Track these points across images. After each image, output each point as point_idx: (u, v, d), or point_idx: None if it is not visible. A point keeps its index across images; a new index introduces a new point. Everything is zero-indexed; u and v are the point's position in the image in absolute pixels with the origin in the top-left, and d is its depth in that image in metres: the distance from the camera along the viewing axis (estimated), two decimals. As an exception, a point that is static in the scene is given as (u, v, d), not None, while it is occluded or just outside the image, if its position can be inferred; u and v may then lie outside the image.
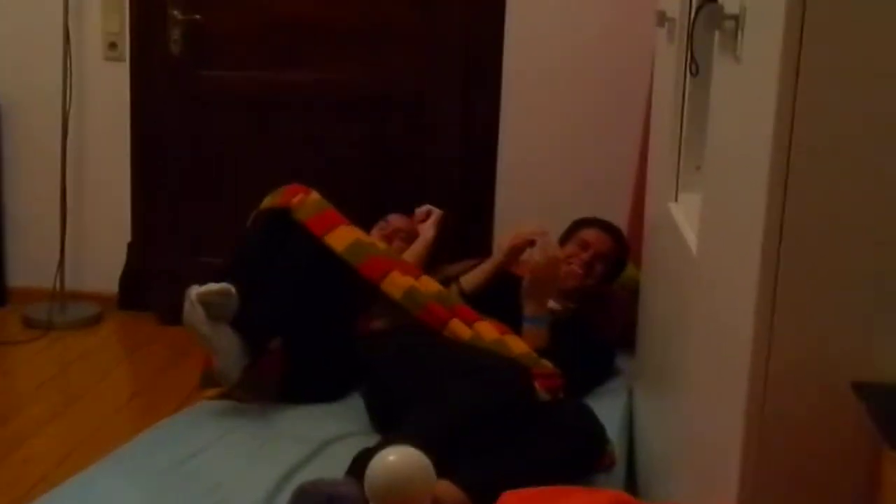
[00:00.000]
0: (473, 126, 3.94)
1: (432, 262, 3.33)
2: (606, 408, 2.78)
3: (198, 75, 4.03)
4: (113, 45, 4.08)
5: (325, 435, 2.63)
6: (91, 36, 4.08)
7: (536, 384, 2.58)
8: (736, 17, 1.51)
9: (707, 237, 1.78)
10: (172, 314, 3.42)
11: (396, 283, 2.89)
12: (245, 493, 2.29)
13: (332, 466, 2.35)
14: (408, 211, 3.51)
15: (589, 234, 3.24)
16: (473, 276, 3.15)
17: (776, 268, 1.31)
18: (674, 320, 2.16)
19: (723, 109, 1.68)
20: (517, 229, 3.08)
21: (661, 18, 2.58)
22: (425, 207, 3.49)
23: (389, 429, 2.43)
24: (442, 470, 2.16)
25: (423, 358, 2.65)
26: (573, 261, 3.17)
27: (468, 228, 3.94)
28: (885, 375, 1.30)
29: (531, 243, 2.97)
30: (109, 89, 4.11)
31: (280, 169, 3.76)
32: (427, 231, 3.38)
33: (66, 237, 4.10)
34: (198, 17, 3.96)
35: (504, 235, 3.22)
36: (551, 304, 3.02)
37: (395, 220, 3.45)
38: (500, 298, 3.03)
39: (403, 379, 2.62)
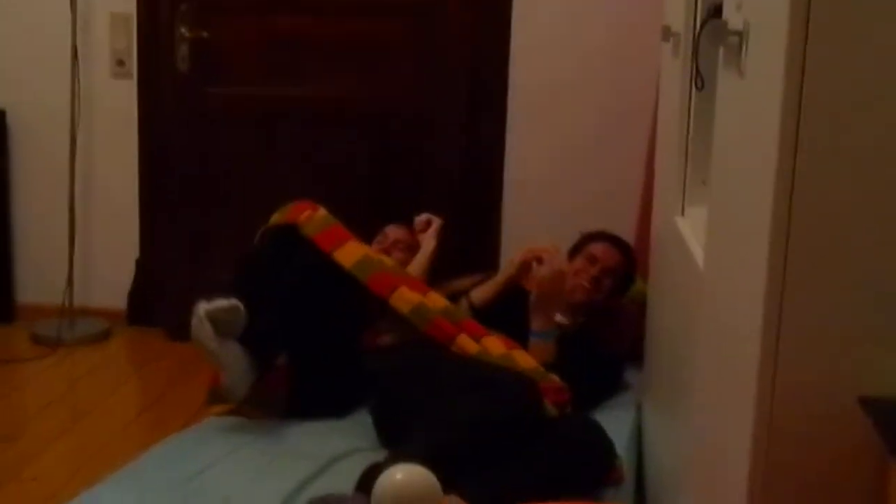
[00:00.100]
0: (479, 140, 3.95)
1: (438, 275, 3.33)
2: (615, 422, 2.78)
3: (205, 92, 4.04)
4: (120, 63, 4.10)
5: (332, 450, 2.63)
6: (99, 53, 4.10)
7: (544, 399, 2.58)
8: (740, 33, 1.51)
9: (713, 251, 1.78)
10: (180, 330, 3.43)
11: (405, 299, 2.90)
12: (253, 510, 2.29)
13: (341, 482, 2.35)
14: (409, 222, 3.51)
15: (597, 249, 3.24)
16: (483, 291, 3.16)
17: (782, 282, 1.31)
18: (681, 334, 2.16)
19: (728, 124, 1.68)
20: (528, 245, 3.09)
21: (667, 33, 2.58)
22: (424, 216, 3.48)
23: (397, 444, 2.43)
24: (450, 484, 2.16)
25: (430, 373, 2.65)
26: (581, 275, 3.17)
27: (474, 242, 3.95)
28: (892, 390, 1.29)
29: (539, 259, 2.97)
30: (117, 106, 4.12)
31: (287, 184, 3.77)
32: (428, 243, 3.38)
33: (75, 254, 4.11)
34: (205, 34, 3.97)
35: (515, 251, 3.22)
36: (559, 318, 3.02)
37: (393, 231, 3.45)
38: (508, 313, 3.04)
39: (411, 394, 2.62)
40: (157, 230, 4.20)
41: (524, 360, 2.79)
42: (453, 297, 3.10)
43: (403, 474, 1.81)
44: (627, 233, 3.50)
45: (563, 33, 3.84)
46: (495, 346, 2.82)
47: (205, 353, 2.70)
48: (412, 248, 3.40)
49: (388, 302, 2.90)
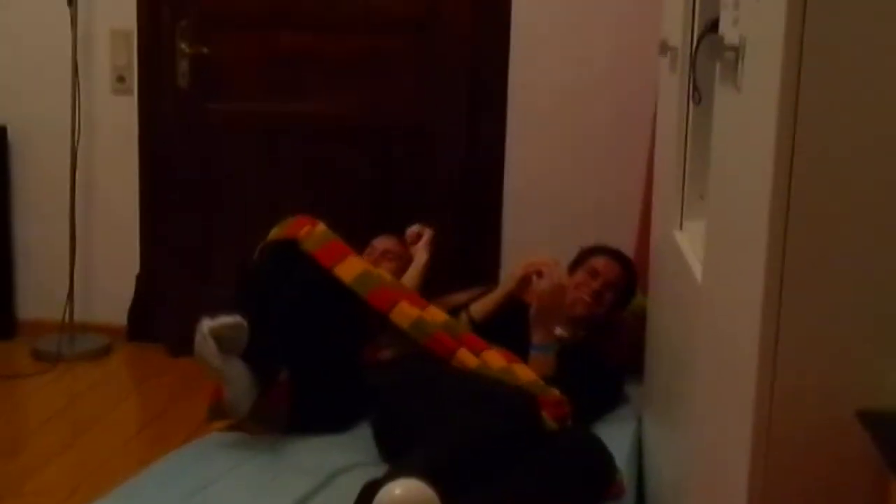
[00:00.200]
0: (479, 152, 3.96)
1: (438, 287, 3.32)
2: (615, 435, 2.78)
3: (205, 108, 4.05)
4: (121, 78, 4.11)
5: (333, 466, 2.62)
6: (99, 69, 4.11)
7: (544, 412, 2.58)
8: (736, 48, 1.52)
9: (711, 265, 1.79)
10: (181, 345, 3.44)
11: (405, 314, 2.90)
12: (254, 525, 2.29)
13: (341, 497, 2.35)
14: (402, 233, 3.51)
15: (598, 263, 3.24)
16: (483, 305, 3.17)
17: (780, 295, 1.31)
18: (680, 348, 2.16)
19: (724, 138, 1.69)
20: (528, 258, 3.09)
21: (664, 48, 2.59)
22: (415, 228, 3.47)
23: (397, 458, 2.43)
24: (450, 499, 2.16)
25: (430, 387, 2.65)
26: (582, 289, 3.17)
27: (475, 254, 3.96)
28: (890, 404, 1.30)
29: (539, 272, 2.98)
30: (117, 122, 4.14)
31: (287, 200, 3.77)
32: (420, 255, 3.38)
33: (76, 269, 4.12)
34: (205, 50, 3.99)
35: (515, 262, 3.22)
36: (559, 331, 3.02)
37: (381, 242, 3.44)
38: (508, 326, 3.04)
39: (411, 408, 2.62)
40: (158, 246, 4.20)
41: (524, 373, 2.79)
42: (453, 311, 3.10)
43: (402, 489, 1.81)
44: (627, 245, 3.50)
45: (564, 47, 3.85)
46: (495, 359, 2.82)
47: (208, 371, 2.70)
48: (402, 257, 3.40)
49: (389, 317, 2.91)
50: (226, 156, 4.09)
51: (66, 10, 3.97)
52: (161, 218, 4.18)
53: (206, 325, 2.67)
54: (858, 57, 1.25)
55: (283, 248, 3.01)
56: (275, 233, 3.10)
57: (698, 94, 2.04)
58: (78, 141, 4.05)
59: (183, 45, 3.98)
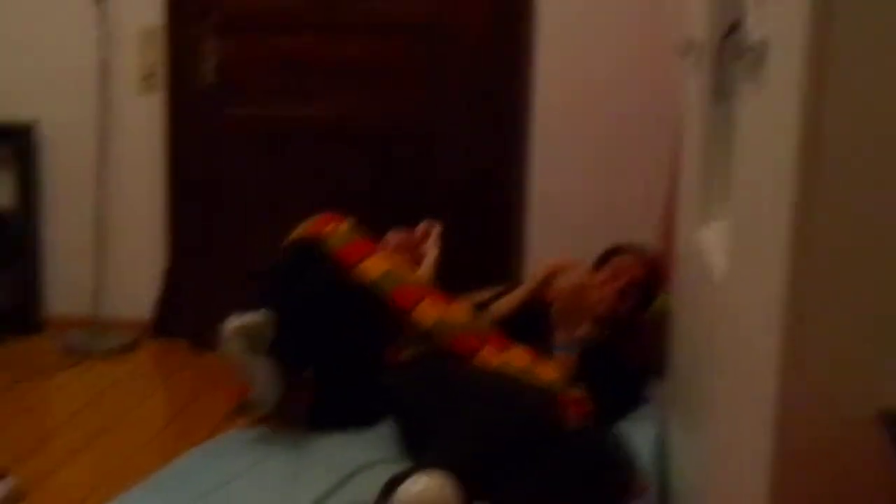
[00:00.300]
0: (502, 153, 3.96)
1: (456, 287, 3.32)
2: (638, 435, 2.77)
3: (230, 107, 4.08)
4: (148, 77, 4.14)
5: (355, 462, 2.64)
6: (127, 67, 4.14)
7: (566, 411, 2.58)
8: (759, 47, 1.52)
9: (734, 264, 1.78)
10: (206, 341, 3.46)
11: (427, 313, 2.91)
12: (276, 521, 2.31)
13: (363, 493, 2.37)
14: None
15: (623, 262, 3.24)
16: (505, 303, 3.17)
17: (802, 295, 1.31)
18: (702, 347, 2.16)
19: (748, 137, 1.69)
20: (551, 259, 3.09)
21: (688, 46, 2.59)
22: (424, 225, 3.46)
23: (419, 456, 2.44)
24: (472, 497, 2.17)
25: (452, 385, 2.66)
26: (606, 288, 3.17)
27: (496, 255, 3.96)
28: (911, 403, 1.29)
29: (561, 272, 2.98)
30: (144, 120, 4.16)
31: (310, 198, 3.77)
32: (431, 251, 3.36)
33: (102, 265, 4.15)
34: (231, 50, 4.01)
35: (537, 264, 3.22)
36: (582, 330, 3.02)
37: (394, 237, 3.40)
38: (530, 326, 3.04)
39: (433, 406, 2.63)
40: (183, 242, 4.23)
41: (546, 372, 2.79)
42: (476, 309, 3.10)
43: (423, 484, 1.82)
44: (652, 245, 3.50)
45: (586, 47, 3.84)
46: (517, 358, 2.82)
47: (234, 367, 2.72)
48: (413, 252, 3.37)
49: (411, 315, 2.92)
50: (250, 153, 4.12)
51: (94, 10, 4.00)
52: (186, 215, 4.20)
53: (233, 322, 2.69)
54: (883, 55, 1.25)
55: (306, 246, 3.02)
56: (299, 231, 3.11)
57: (722, 92, 2.04)
58: (105, 139, 4.08)
59: (209, 46, 4.00)
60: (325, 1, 3.99)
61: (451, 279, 3.16)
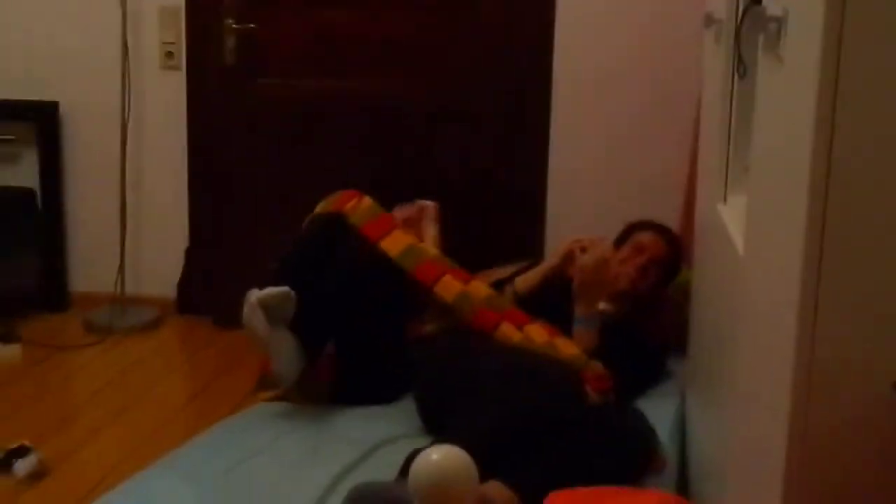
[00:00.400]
0: (523, 130, 3.95)
1: (478, 263, 3.30)
2: (659, 410, 2.78)
3: (252, 83, 4.09)
4: (169, 55, 4.15)
5: (377, 437, 2.65)
6: (148, 46, 4.16)
7: (586, 386, 2.59)
8: (779, 19, 1.51)
9: (753, 238, 1.78)
10: (229, 318, 3.48)
11: (449, 287, 2.92)
12: (298, 495, 2.32)
13: (385, 468, 2.38)
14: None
15: (644, 238, 3.23)
16: (527, 279, 3.17)
17: (818, 267, 1.31)
18: (722, 322, 2.16)
19: (767, 110, 1.68)
20: (574, 236, 3.09)
21: (709, 20, 2.57)
22: (416, 205, 3.32)
23: (440, 430, 2.45)
24: (492, 471, 2.18)
25: (473, 361, 2.67)
26: (628, 264, 3.17)
27: (519, 233, 3.97)
28: (929, 376, 1.29)
29: (583, 247, 2.97)
30: (166, 98, 4.19)
31: (333, 175, 3.78)
32: (428, 230, 3.27)
33: (126, 243, 4.18)
34: (252, 26, 4.01)
35: (560, 241, 3.22)
36: (603, 306, 3.02)
37: (400, 212, 3.30)
38: (552, 301, 3.04)
39: (454, 381, 2.64)
40: (207, 220, 4.26)
41: (567, 347, 2.79)
42: (497, 285, 3.11)
43: (440, 454, 1.83)
44: (672, 221, 3.49)
45: (607, 23, 3.83)
46: (538, 333, 2.83)
47: (256, 340, 2.74)
48: (418, 226, 3.30)
49: (433, 290, 2.92)
50: (272, 131, 4.13)
51: (116, -11, 4.02)
52: (209, 192, 4.23)
53: (255, 294, 2.71)
54: (900, 27, 1.24)
55: (330, 220, 3.03)
56: (322, 206, 3.12)
57: (743, 66, 2.02)
58: (128, 117, 4.10)
59: (230, 22, 4.01)
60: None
61: (471, 257, 3.15)
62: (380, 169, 4.02)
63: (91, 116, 4.25)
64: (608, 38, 3.84)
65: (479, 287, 2.96)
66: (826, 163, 1.28)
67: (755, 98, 1.80)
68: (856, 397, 1.33)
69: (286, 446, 2.60)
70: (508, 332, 2.83)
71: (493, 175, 4.01)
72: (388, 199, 3.17)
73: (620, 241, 3.27)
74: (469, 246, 3.29)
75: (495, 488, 2.19)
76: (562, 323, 2.92)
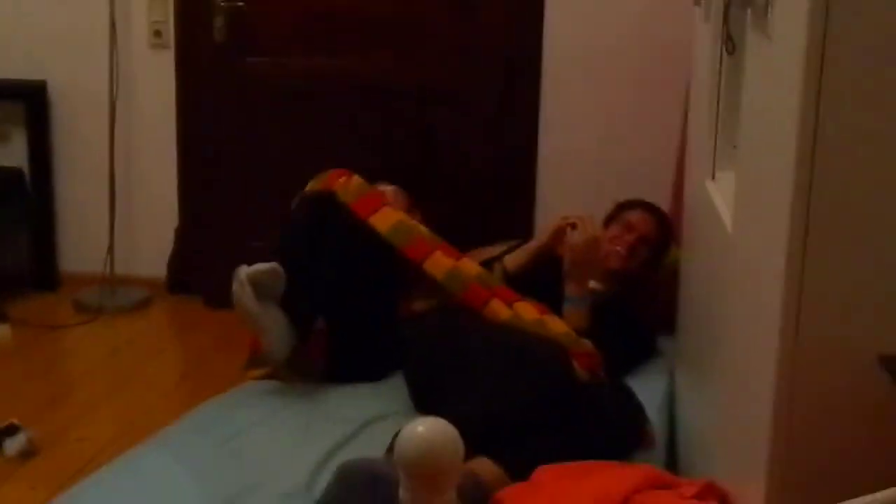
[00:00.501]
0: (513, 111, 3.95)
1: (469, 243, 3.30)
2: (648, 388, 2.79)
3: (241, 62, 4.07)
4: (158, 33, 4.14)
5: (367, 414, 2.66)
6: (136, 24, 4.14)
7: (576, 363, 2.59)
8: (766, -6, 1.52)
9: (741, 215, 1.79)
10: (219, 298, 3.48)
11: (439, 264, 2.92)
12: (289, 471, 2.33)
13: (375, 445, 2.38)
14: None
15: (634, 216, 3.24)
16: (517, 257, 3.17)
17: (804, 243, 1.32)
18: (710, 299, 2.17)
19: (755, 87, 1.69)
20: (562, 214, 3.09)
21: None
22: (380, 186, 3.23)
23: (430, 408, 2.45)
24: (482, 449, 2.19)
25: (463, 338, 2.67)
26: (617, 242, 3.17)
27: (510, 214, 3.97)
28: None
29: (573, 225, 2.98)
30: (155, 76, 4.17)
31: (323, 154, 3.77)
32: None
33: (116, 223, 4.17)
34: (241, 4, 4.00)
35: (550, 222, 3.22)
36: (593, 284, 3.03)
37: (385, 189, 3.22)
38: (542, 279, 3.04)
39: (444, 359, 2.65)
40: (196, 199, 4.25)
41: (556, 325, 2.80)
42: (487, 264, 3.11)
43: (426, 427, 1.82)
44: (664, 202, 3.49)
45: (597, 2, 3.83)
46: (528, 311, 2.83)
47: (246, 317, 2.74)
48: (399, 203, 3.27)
49: (423, 267, 2.93)
50: (262, 110, 4.12)
51: (104, -34, 4.00)
52: (199, 171, 4.21)
53: (244, 271, 2.71)
54: (886, 3, 1.24)
55: (321, 198, 3.03)
56: (312, 185, 3.12)
57: (732, 43, 2.03)
58: (116, 96, 4.08)
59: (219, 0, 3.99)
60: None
61: (461, 239, 3.16)
62: (369, 148, 4.01)
63: (79, 95, 4.23)
64: (598, 17, 3.83)
65: (470, 264, 2.96)
66: (812, 138, 1.28)
67: (743, 75, 1.80)
68: (842, 371, 1.34)
69: (277, 423, 2.61)
70: (498, 308, 2.84)
71: (483, 154, 4.00)
72: (377, 178, 3.17)
73: (610, 220, 3.27)
74: (458, 228, 3.29)
75: (483, 465, 2.20)
76: (551, 301, 2.92)
